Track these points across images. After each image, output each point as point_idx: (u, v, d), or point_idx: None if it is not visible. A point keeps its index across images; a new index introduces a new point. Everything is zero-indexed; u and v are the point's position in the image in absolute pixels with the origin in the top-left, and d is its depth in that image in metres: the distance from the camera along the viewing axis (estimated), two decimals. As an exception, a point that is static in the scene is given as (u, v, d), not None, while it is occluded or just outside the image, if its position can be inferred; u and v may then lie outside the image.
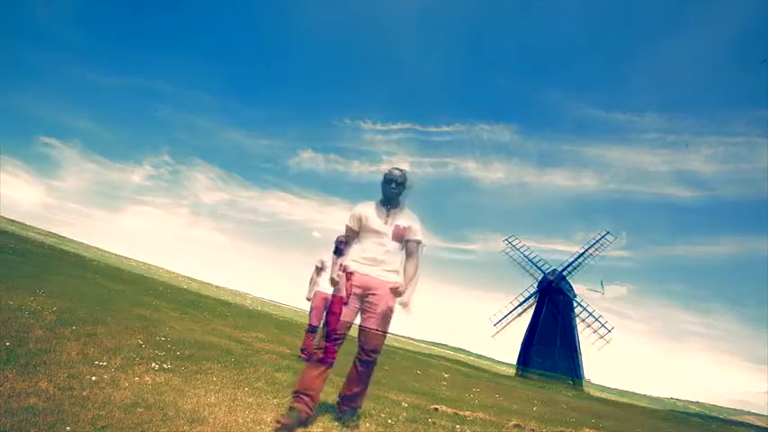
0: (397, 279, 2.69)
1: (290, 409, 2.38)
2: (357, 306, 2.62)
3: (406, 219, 2.77)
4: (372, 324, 2.60)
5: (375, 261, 2.66)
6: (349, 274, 2.67)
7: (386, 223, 2.71)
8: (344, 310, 2.57)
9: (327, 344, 2.51)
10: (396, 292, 2.65)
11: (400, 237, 2.72)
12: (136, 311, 4.90)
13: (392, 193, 2.73)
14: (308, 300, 5.23)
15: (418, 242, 2.79)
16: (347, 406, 2.64)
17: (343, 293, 2.60)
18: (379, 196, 2.81)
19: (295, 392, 2.46)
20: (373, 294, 2.61)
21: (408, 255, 2.78)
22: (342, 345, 2.56)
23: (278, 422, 2.22)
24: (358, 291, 2.61)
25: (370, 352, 2.60)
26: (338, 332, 2.53)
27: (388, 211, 2.74)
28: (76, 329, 3.31)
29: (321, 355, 2.50)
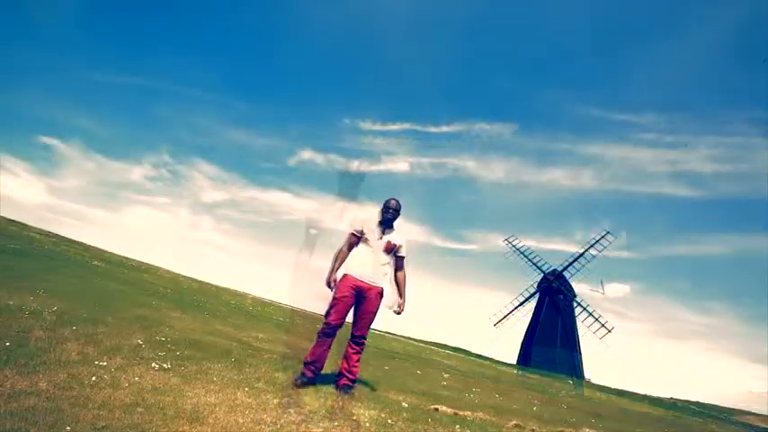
0: (384, 284, 3.48)
1: (301, 374, 3.21)
2: (352, 302, 3.37)
3: (397, 237, 3.51)
4: (363, 318, 3.42)
5: (369, 271, 3.40)
6: (344, 277, 3.41)
7: (380, 239, 3.44)
8: (342, 305, 3.31)
9: (329, 329, 3.28)
10: (391, 305, 3.57)
11: (390, 250, 3.47)
12: (136, 311, 4.91)
13: (389, 217, 3.49)
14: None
15: (403, 257, 3.59)
16: (345, 379, 3.37)
17: (339, 294, 3.33)
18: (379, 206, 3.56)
19: (306, 363, 3.25)
20: (365, 297, 3.38)
21: (398, 268, 3.59)
22: (340, 329, 3.34)
23: (293, 383, 3.10)
24: (353, 291, 3.36)
25: (359, 337, 3.45)
26: (337, 323, 3.32)
27: (383, 230, 3.48)
28: (76, 329, 3.32)
29: (327, 331, 3.28)
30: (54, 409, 1.84)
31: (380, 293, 3.45)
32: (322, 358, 3.29)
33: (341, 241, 3.57)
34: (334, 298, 3.35)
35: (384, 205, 3.54)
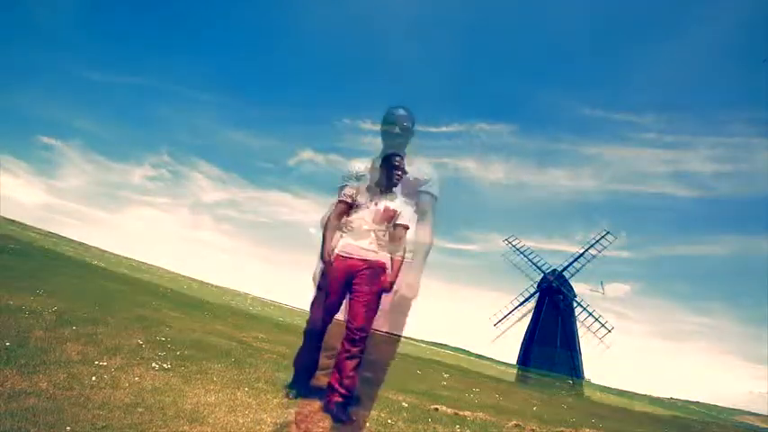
0: (384, 257, 2.57)
1: (293, 382, 2.85)
2: (341, 287, 2.57)
3: (399, 203, 2.56)
4: (358, 300, 2.51)
5: (361, 245, 2.55)
6: (329, 262, 2.57)
7: (375, 205, 2.54)
8: (327, 302, 2.61)
9: (315, 329, 2.72)
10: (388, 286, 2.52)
11: (390, 220, 2.54)
12: (136, 311, 4.91)
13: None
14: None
15: (432, 195, 2.51)
16: (336, 395, 2.48)
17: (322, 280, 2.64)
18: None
19: (297, 372, 2.87)
20: (359, 276, 2.53)
21: (421, 213, 2.53)
22: (330, 324, 2.68)
23: (287, 397, 2.67)
24: (341, 278, 2.54)
25: (356, 331, 2.47)
26: (325, 319, 2.65)
27: (380, 192, 2.55)
28: (76, 329, 3.32)
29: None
30: (54, 409, 1.84)
31: (383, 268, 2.57)
32: (314, 361, 2.81)
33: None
34: (317, 287, 2.74)
35: (385, 160, 2.53)
